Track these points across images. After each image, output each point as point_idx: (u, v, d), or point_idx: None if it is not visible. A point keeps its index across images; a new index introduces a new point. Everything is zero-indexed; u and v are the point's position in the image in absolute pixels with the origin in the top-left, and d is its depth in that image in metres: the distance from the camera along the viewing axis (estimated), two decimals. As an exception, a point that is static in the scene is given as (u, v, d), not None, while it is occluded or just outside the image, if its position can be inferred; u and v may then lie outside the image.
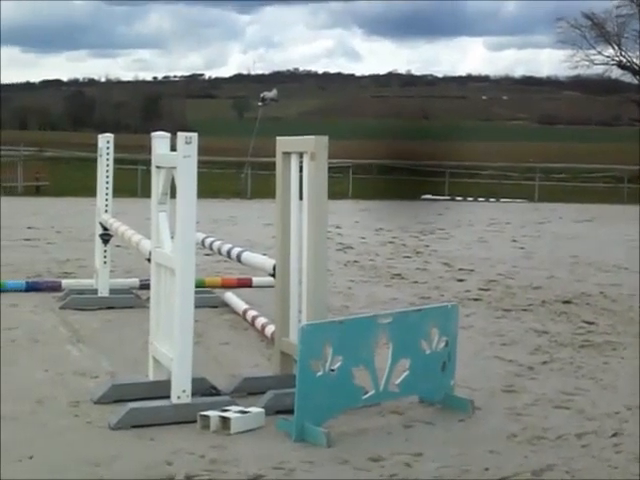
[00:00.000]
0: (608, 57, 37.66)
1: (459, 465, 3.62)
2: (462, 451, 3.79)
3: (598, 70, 37.95)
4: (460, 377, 4.59)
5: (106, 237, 7.11)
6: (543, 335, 6.34)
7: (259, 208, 17.47)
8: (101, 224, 7.13)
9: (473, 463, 3.65)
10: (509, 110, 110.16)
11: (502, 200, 24.30)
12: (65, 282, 7.67)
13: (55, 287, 7.51)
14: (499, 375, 5.15)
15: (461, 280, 9.01)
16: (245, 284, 7.98)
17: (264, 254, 5.59)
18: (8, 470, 3.39)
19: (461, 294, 8.03)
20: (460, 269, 9.83)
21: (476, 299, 7.85)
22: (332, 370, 3.95)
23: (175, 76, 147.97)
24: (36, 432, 3.86)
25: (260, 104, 25.88)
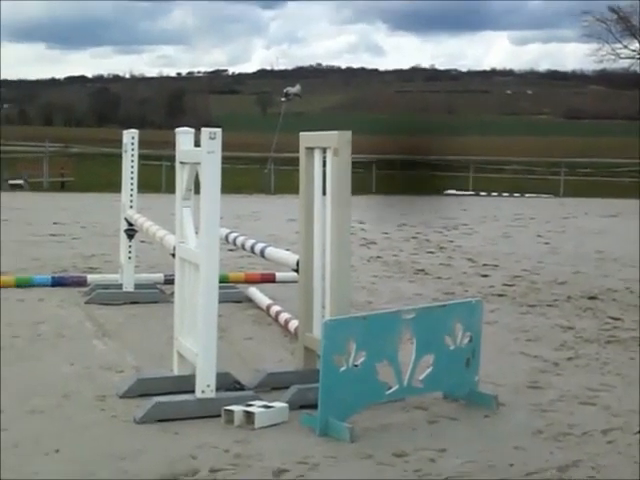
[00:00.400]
0: (634, 51, 37.31)
1: (484, 461, 3.60)
2: (487, 447, 3.77)
3: (624, 64, 37.65)
4: (485, 373, 4.57)
5: (131, 232, 7.15)
6: (568, 331, 6.30)
7: (282, 203, 17.50)
8: (126, 219, 7.17)
9: (498, 459, 3.63)
10: (534, 104, 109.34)
11: (527, 195, 24.15)
12: (90, 277, 7.73)
13: (81, 282, 7.57)
14: (524, 371, 5.12)
15: (485, 276, 8.97)
16: (268, 279, 8.00)
17: (287, 249, 5.60)
18: (35, 463, 3.43)
19: (485, 290, 8.00)
20: (484, 264, 9.79)
21: (500, 295, 7.81)
22: (356, 365, 3.95)
23: (199, 72, 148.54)
24: (62, 426, 3.89)
25: (283, 99, 25.90)
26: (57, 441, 3.67)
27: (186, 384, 4.22)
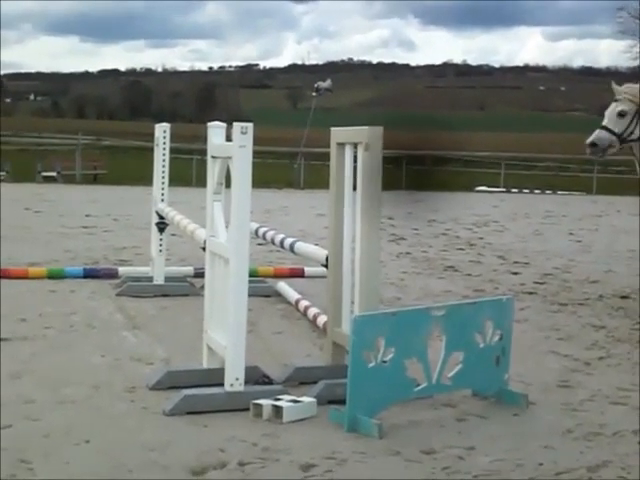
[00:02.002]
0: (670, 48, 36.75)
1: (513, 459, 3.58)
2: (516, 446, 3.75)
3: (659, 61, 37.06)
4: (514, 371, 4.54)
5: (162, 226, 7.20)
6: (600, 330, 6.24)
7: (311, 198, 17.51)
8: (157, 213, 7.22)
9: (527, 458, 3.61)
10: (567, 101, 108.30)
11: (559, 192, 23.93)
12: (122, 269, 7.79)
13: (112, 274, 7.64)
14: (554, 370, 5.08)
15: (516, 273, 8.91)
16: (297, 274, 8.01)
17: (316, 244, 5.60)
18: (65, 453, 3.47)
19: (516, 287, 7.94)
20: (515, 262, 9.72)
21: (531, 292, 7.75)
22: (384, 361, 3.94)
23: (230, 66, 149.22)
24: (93, 416, 3.93)
25: (314, 94, 25.91)
26: (87, 431, 3.70)
27: (215, 377, 4.24)
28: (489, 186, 25.07)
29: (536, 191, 23.93)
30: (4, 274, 7.41)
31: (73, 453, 3.47)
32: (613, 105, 6.49)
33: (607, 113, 6.52)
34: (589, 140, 6.47)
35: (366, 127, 4.34)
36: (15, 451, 3.43)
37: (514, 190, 24.34)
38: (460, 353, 4.25)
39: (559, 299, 7.44)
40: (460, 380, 4.26)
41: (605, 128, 6.46)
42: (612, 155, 6.81)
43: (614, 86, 6.57)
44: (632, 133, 6.44)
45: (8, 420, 3.80)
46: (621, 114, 6.44)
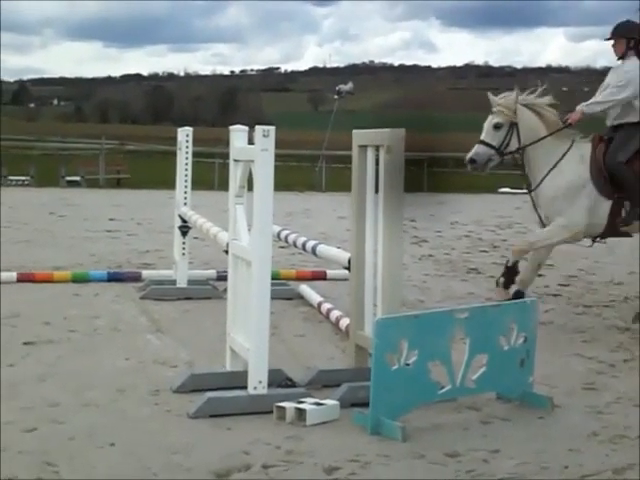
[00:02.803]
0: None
1: (538, 463, 3.55)
2: (541, 448, 3.72)
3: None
4: (539, 374, 4.50)
5: (185, 229, 7.23)
6: (625, 332, 6.18)
7: (333, 201, 17.50)
8: (180, 216, 7.25)
9: (552, 461, 3.58)
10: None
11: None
12: (145, 273, 7.84)
13: (135, 277, 7.68)
14: (579, 372, 5.04)
15: (540, 275, 8.81)
16: (319, 277, 8.01)
17: (339, 247, 5.60)
18: (90, 456, 3.49)
19: (540, 289, 7.88)
20: (539, 264, 9.63)
21: (556, 295, 7.70)
22: (407, 364, 3.93)
23: (252, 70, 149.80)
24: (117, 419, 3.95)
25: (335, 97, 25.91)
26: (112, 434, 3.72)
27: (238, 380, 4.25)
28: (512, 187, 24.92)
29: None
30: (30, 278, 7.48)
31: (98, 456, 3.49)
32: (489, 118, 6.33)
33: (484, 126, 6.37)
34: (468, 156, 6.36)
35: (388, 129, 4.33)
36: (40, 454, 3.46)
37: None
38: (484, 356, 4.23)
39: (584, 301, 7.38)
40: (484, 383, 4.23)
41: (483, 142, 6.30)
42: (495, 168, 6.66)
43: (490, 97, 6.39)
44: (509, 145, 6.28)
45: (33, 423, 3.83)
46: (497, 127, 6.28)
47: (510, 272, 6.43)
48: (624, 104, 6.35)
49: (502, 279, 6.46)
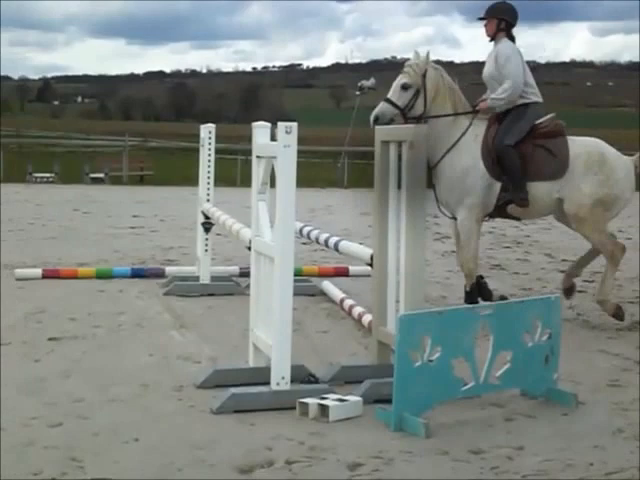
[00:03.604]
0: None
1: (562, 459, 3.53)
2: (565, 445, 3.70)
3: None
4: (564, 370, 4.47)
5: (208, 226, 7.25)
6: (651, 329, 6.12)
7: (355, 197, 17.47)
8: (203, 213, 7.27)
9: (577, 458, 3.56)
10: (615, 97, 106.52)
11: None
12: (168, 269, 7.88)
13: (159, 274, 7.72)
14: (604, 369, 5.00)
15: (564, 271, 8.76)
16: (342, 273, 8.01)
17: (361, 243, 5.59)
18: (115, 452, 3.51)
19: (564, 285, 7.81)
20: (563, 260, 9.58)
21: (580, 291, 7.62)
22: (430, 361, 3.92)
23: (274, 66, 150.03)
24: (141, 415, 3.98)
25: (358, 93, 25.84)
26: (136, 430, 3.75)
27: (261, 376, 4.26)
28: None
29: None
30: (55, 274, 7.55)
31: (122, 451, 3.51)
32: (399, 77, 6.20)
33: (393, 85, 6.22)
34: (372, 114, 6.19)
35: (411, 125, 4.32)
36: (65, 449, 3.49)
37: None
38: (508, 352, 4.21)
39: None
40: (508, 379, 4.21)
41: (388, 101, 6.14)
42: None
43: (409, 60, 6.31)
44: (413, 108, 6.13)
45: (59, 419, 3.86)
46: (404, 87, 6.14)
47: (481, 290, 6.38)
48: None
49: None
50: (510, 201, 6.19)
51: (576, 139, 6.37)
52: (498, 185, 6.20)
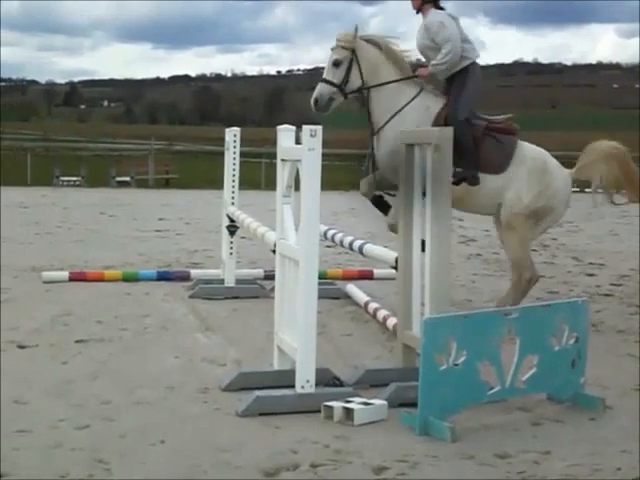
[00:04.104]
0: None
1: (590, 464, 3.50)
2: (593, 450, 3.67)
3: None
4: (590, 375, 4.43)
5: (232, 229, 7.28)
6: (680, 333, 6.04)
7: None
8: (228, 216, 7.30)
9: (604, 463, 3.52)
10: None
11: (634, 191, 23.31)
12: (194, 272, 7.91)
13: (184, 277, 7.76)
14: (632, 373, 4.94)
15: (591, 275, 8.71)
16: (366, 276, 8.00)
17: (385, 246, 5.58)
18: (141, 453, 3.53)
19: (591, 289, 7.77)
20: (590, 263, 9.51)
21: (607, 294, 7.57)
22: (456, 364, 3.90)
23: (299, 69, 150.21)
24: (167, 417, 4.00)
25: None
26: (162, 432, 3.76)
27: (286, 379, 4.27)
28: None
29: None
30: (81, 277, 7.61)
31: (149, 453, 3.53)
32: (330, 54, 6.06)
33: (326, 64, 6.09)
34: (312, 97, 6.04)
35: (436, 128, 4.31)
36: (92, 451, 3.52)
37: (588, 190, 23.80)
38: (534, 356, 4.18)
39: (636, 301, 7.23)
40: (535, 384, 4.18)
41: (324, 81, 6.02)
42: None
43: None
44: (349, 82, 6.00)
45: (86, 420, 3.89)
46: (336, 64, 6.00)
47: (379, 206, 6.31)
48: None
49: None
50: (463, 179, 5.99)
51: (525, 144, 6.25)
52: None
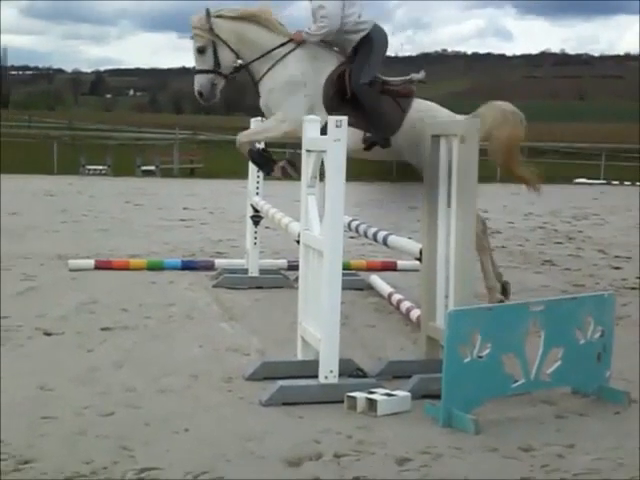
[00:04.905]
0: None
1: (614, 458, 3.48)
2: (617, 444, 3.64)
3: None
4: (616, 369, 4.39)
5: (256, 219, 7.29)
6: None
7: (404, 191, 17.36)
8: (252, 206, 7.31)
9: (629, 457, 3.50)
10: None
11: (662, 184, 23.05)
12: (218, 262, 7.94)
13: (208, 266, 7.79)
14: (658, 368, 4.89)
15: (617, 268, 8.63)
16: (390, 267, 7.98)
17: (409, 238, 5.56)
18: (165, 441, 3.56)
19: (617, 282, 7.70)
20: (616, 256, 9.42)
21: (634, 288, 7.50)
22: (480, 357, 3.88)
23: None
24: (192, 406, 4.02)
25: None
26: (186, 420, 3.79)
27: (309, 369, 4.27)
28: (589, 178, 24.37)
29: (638, 183, 23.12)
30: (107, 265, 7.67)
31: (173, 441, 3.55)
32: (192, 44, 5.97)
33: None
34: (195, 91, 5.95)
35: (463, 119, 4.28)
36: (117, 438, 3.54)
37: (615, 182, 23.58)
38: (560, 349, 4.15)
39: (663, 295, 7.16)
40: (559, 377, 4.16)
41: (198, 71, 5.94)
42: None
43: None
44: (222, 63, 5.91)
45: (111, 408, 3.93)
46: (200, 51, 5.92)
47: (260, 161, 6.18)
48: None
49: (264, 169, 6.24)
50: (373, 144, 5.92)
51: (418, 100, 6.08)
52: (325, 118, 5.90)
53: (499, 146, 5.97)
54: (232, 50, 6.00)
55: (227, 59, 6.01)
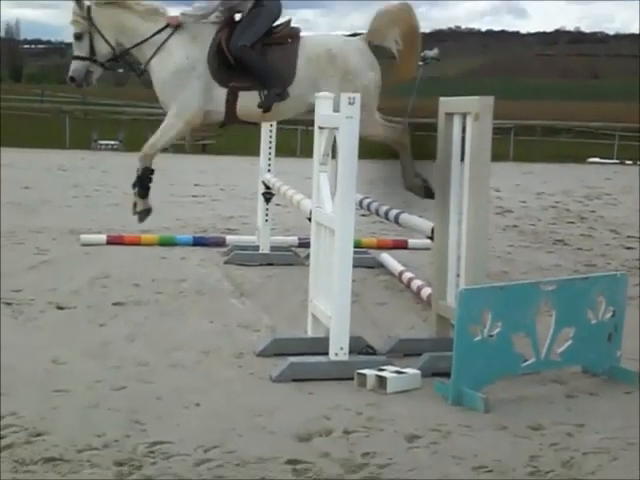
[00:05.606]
0: None
1: (623, 438, 3.48)
2: (627, 424, 3.64)
3: None
4: (627, 349, 4.39)
5: (268, 196, 7.29)
6: None
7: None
8: (264, 183, 7.31)
9: (638, 436, 3.50)
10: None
11: (676, 164, 22.88)
12: (229, 238, 7.95)
13: (220, 243, 7.81)
14: (669, 349, 4.88)
15: (630, 248, 8.60)
16: (400, 245, 7.98)
17: (421, 216, 5.55)
18: (176, 415, 3.58)
19: (629, 262, 7.67)
20: (629, 236, 9.38)
21: (645, 269, 7.47)
22: (491, 336, 3.89)
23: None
24: (202, 381, 4.05)
25: (421, 63, 25.49)
26: (197, 395, 3.81)
27: (319, 346, 4.29)
28: (602, 158, 24.23)
29: (651, 163, 22.97)
30: (119, 240, 7.70)
31: (184, 416, 3.58)
32: (71, 29, 5.89)
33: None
34: (68, 75, 5.88)
35: (477, 97, 4.25)
36: (128, 412, 3.57)
37: (628, 162, 23.43)
38: (570, 329, 4.15)
39: (675, 276, 7.13)
40: (570, 356, 4.16)
41: (76, 57, 5.88)
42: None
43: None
44: (98, 51, 5.83)
45: (122, 382, 3.96)
46: (78, 37, 5.84)
47: (143, 181, 6.19)
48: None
49: (137, 189, 6.22)
50: (271, 102, 5.78)
51: (305, 40, 5.90)
52: (223, 91, 5.80)
53: (399, 35, 5.82)
54: (108, 38, 5.91)
55: (102, 47, 5.94)
